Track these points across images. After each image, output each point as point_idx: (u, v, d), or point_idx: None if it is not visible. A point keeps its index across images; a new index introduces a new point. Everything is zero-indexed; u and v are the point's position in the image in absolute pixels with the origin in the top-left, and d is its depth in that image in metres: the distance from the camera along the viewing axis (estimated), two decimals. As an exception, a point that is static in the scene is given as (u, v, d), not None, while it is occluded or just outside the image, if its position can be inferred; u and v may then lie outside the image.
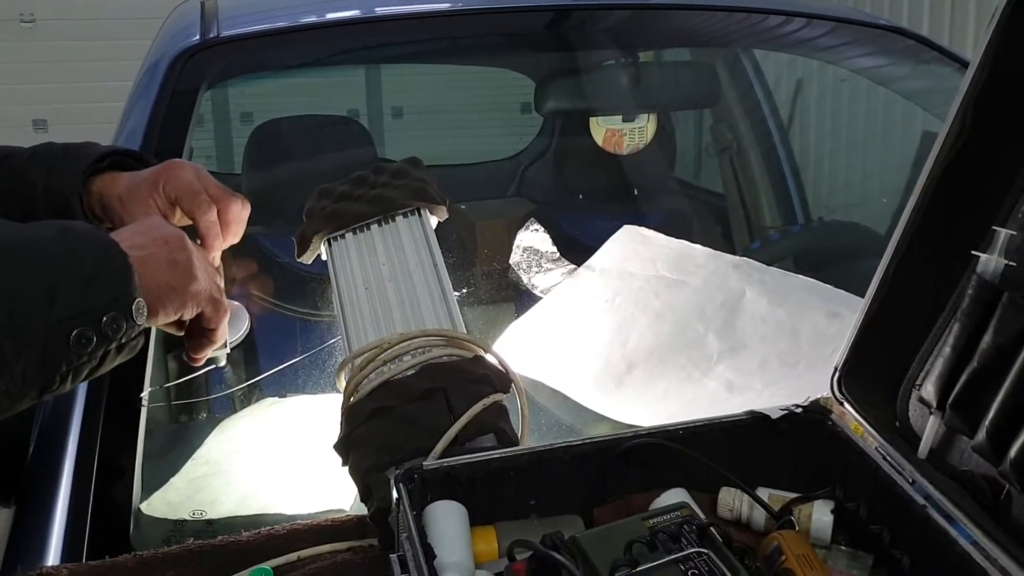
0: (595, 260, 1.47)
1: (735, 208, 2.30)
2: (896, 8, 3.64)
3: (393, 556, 0.78)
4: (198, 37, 1.62)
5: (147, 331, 0.89)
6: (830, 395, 0.92)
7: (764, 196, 2.29)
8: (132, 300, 0.84)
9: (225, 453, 1.20)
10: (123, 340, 0.85)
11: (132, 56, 1.75)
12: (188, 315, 0.97)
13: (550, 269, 1.58)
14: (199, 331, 1.03)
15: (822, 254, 1.98)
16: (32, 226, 0.85)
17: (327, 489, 1.07)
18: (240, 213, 1.11)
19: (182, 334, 1.04)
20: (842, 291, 1.29)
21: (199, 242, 1.07)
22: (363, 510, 0.91)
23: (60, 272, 0.81)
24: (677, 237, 1.51)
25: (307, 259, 1.25)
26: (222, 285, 1.05)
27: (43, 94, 4.72)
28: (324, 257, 1.23)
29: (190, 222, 1.09)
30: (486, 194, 2.45)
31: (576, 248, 1.60)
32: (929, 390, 0.85)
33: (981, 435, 0.79)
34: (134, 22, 4.03)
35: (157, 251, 0.93)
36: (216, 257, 1.09)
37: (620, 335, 1.30)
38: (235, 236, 1.12)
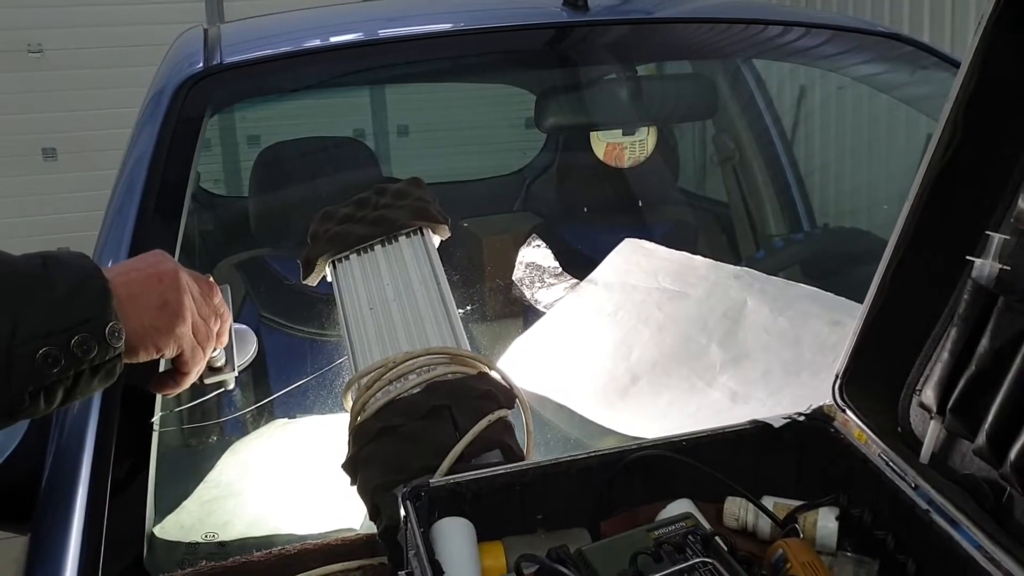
0: (597, 274, 1.48)
1: (740, 217, 2.30)
2: (896, 14, 3.65)
3: (402, 573, 0.79)
4: (201, 64, 1.65)
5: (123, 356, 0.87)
6: (832, 403, 0.93)
7: (768, 204, 2.29)
8: (106, 323, 0.83)
9: (236, 475, 1.21)
10: (96, 362, 0.83)
11: (140, 84, 1.77)
12: (168, 355, 0.97)
13: (553, 284, 1.59)
14: (171, 370, 1.01)
15: (828, 261, 1.97)
16: (20, 256, 0.84)
17: (337, 509, 1.08)
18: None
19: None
20: (843, 298, 1.29)
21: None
22: (373, 529, 0.92)
23: (29, 295, 0.80)
24: (682, 248, 1.51)
25: (312, 281, 1.27)
26: (223, 325, 1.04)
27: (52, 123, 4.76)
28: (329, 279, 1.24)
29: None
30: (492, 210, 2.46)
31: (583, 261, 1.60)
32: (929, 395, 0.86)
33: (981, 438, 0.79)
34: (141, 50, 4.06)
35: (149, 288, 0.92)
36: (220, 302, 1.05)
37: (623, 348, 1.31)
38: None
